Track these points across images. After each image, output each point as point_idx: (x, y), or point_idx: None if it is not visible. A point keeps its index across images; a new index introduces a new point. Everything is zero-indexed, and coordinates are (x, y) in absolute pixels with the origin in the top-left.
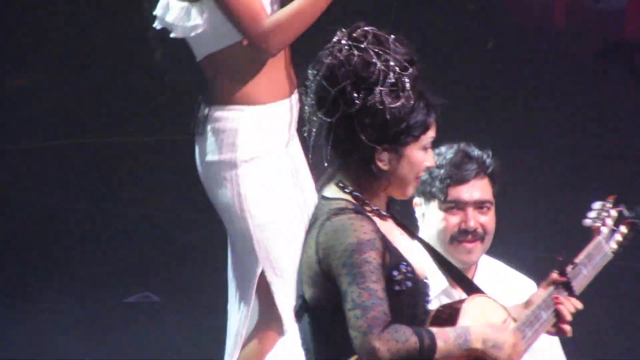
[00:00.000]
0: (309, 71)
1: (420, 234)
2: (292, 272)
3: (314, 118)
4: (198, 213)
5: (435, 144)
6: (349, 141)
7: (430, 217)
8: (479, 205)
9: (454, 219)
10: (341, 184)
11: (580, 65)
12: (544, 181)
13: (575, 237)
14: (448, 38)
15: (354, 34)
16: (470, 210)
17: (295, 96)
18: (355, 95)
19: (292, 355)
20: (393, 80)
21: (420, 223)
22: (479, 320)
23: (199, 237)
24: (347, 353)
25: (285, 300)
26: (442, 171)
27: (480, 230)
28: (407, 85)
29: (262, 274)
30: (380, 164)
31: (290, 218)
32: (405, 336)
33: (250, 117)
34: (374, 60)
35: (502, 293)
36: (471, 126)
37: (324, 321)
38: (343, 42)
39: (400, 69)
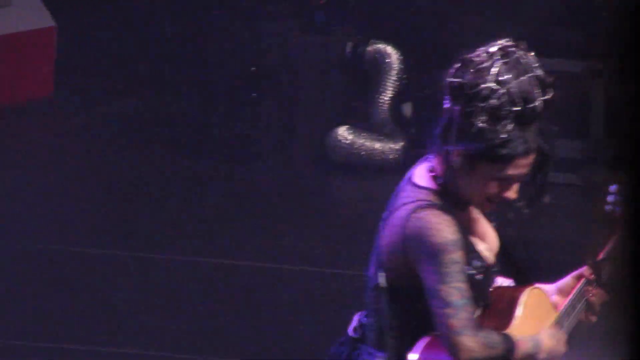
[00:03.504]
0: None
1: None
2: None
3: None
4: None
5: None
6: (448, 132)
7: None
8: None
9: None
10: (433, 172)
11: None
12: None
13: None
14: None
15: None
16: None
17: None
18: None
19: None
20: (497, 105)
21: None
22: (533, 313)
23: None
24: (425, 332)
25: None
26: None
27: None
28: (506, 120)
29: None
30: (453, 163)
31: None
32: (495, 342)
33: None
34: (486, 78)
35: None
36: None
37: (404, 301)
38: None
39: (509, 101)
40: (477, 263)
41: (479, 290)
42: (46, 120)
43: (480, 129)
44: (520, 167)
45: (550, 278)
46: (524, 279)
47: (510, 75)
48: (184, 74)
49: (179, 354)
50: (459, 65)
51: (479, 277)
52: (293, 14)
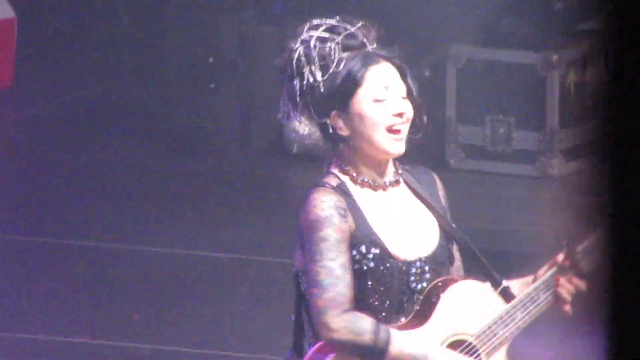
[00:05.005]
0: None
1: None
2: None
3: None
4: None
5: None
6: (309, 113)
7: None
8: None
9: None
10: (335, 159)
11: None
12: None
13: None
14: None
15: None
16: None
17: None
18: (291, 85)
19: None
20: (316, 56)
21: None
22: (454, 308)
23: None
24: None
25: None
26: None
27: None
28: (333, 53)
29: None
30: (340, 132)
31: None
32: (362, 329)
33: None
34: (294, 47)
35: None
36: None
37: (304, 288)
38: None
39: (321, 42)
40: (364, 248)
41: (377, 278)
42: (3, 111)
43: (324, 82)
44: (379, 77)
45: (510, 269)
46: (488, 275)
47: (311, 28)
48: (142, 64)
49: (139, 343)
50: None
51: (370, 264)
52: (250, 4)
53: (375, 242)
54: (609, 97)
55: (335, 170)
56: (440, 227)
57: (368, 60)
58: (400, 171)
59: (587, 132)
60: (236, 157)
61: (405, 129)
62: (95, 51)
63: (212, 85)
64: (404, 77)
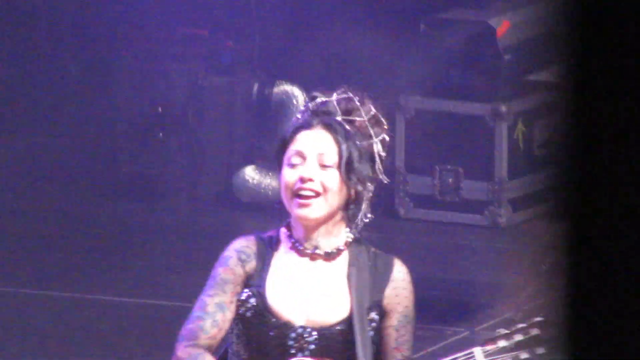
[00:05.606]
0: None
1: None
2: None
3: None
4: None
5: None
6: None
7: None
8: None
9: None
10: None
11: None
12: None
13: None
14: None
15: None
16: None
17: None
18: None
19: None
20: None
21: None
22: None
23: None
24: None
25: None
26: None
27: None
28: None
29: None
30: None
31: None
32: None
33: None
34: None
35: None
36: None
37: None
38: None
39: (303, 109)
40: (244, 295)
41: (253, 328)
42: None
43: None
44: (300, 142)
45: (459, 317)
46: None
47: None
48: (91, 114)
49: None
50: None
51: (248, 313)
52: (200, 54)
53: (259, 294)
54: (559, 146)
55: (283, 226)
56: (351, 312)
57: (303, 125)
58: (343, 247)
59: (535, 182)
60: (185, 207)
61: (312, 195)
62: (43, 100)
63: (161, 135)
64: (338, 145)
